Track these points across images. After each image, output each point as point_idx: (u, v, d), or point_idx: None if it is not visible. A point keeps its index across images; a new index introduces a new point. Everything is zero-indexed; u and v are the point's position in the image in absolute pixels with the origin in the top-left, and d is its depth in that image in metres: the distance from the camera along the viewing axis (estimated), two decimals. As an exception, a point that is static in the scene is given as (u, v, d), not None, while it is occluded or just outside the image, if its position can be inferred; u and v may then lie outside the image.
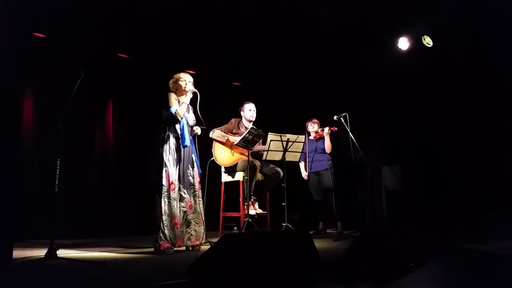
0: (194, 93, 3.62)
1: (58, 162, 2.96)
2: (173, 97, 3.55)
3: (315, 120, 5.10)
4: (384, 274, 2.31)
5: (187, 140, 3.49)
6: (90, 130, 5.12)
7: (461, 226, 4.04)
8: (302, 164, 5.04)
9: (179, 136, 3.50)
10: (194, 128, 3.67)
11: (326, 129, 4.87)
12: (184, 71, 3.77)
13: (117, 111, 5.30)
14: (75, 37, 4.87)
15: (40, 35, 4.66)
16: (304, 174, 5.04)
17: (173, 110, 3.47)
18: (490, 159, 4.48)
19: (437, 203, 4.80)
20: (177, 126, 3.53)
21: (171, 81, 3.68)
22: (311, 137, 5.07)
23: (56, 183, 2.97)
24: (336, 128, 4.85)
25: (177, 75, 3.67)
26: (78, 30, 4.85)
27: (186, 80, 3.64)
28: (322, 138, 4.97)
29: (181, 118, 3.50)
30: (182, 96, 3.62)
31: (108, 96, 5.27)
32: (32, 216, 4.47)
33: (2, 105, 2.56)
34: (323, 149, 4.93)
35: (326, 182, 4.86)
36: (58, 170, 2.95)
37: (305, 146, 4.91)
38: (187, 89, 3.62)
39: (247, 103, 4.57)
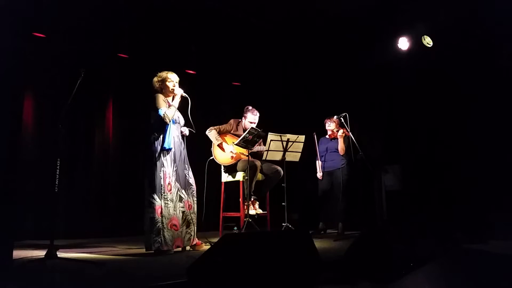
0: (185, 98, 3.51)
1: (58, 162, 2.96)
2: (161, 98, 3.42)
3: (333, 119, 4.99)
4: (384, 274, 2.31)
5: (168, 143, 3.34)
6: (90, 130, 5.12)
7: (461, 226, 4.05)
8: (318, 164, 4.99)
9: (164, 137, 3.36)
10: (182, 129, 3.59)
11: (340, 131, 4.81)
12: (170, 71, 3.59)
13: (117, 111, 5.29)
14: (75, 37, 4.86)
15: (40, 35, 4.66)
16: (319, 174, 4.98)
17: (161, 112, 3.35)
18: (490, 159, 4.48)
19: (437, 203, 4.80)
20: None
21: (156, 79, 3.52)
22: (327, 136, 5.04)
23: (56, 183, 2.97)
24: (347, 133, 4.75)
25: (163, 74, 3.51)
26: (78, 30, 4.84)
27: (173, 81, 3.50)
28: (336, 138, 4.94)
29: (169, 121, 3.37)
30: (168, 97, 3.52)
31: (108, 96, 5.26)
32: (32, 216, 4.46)
33: (2, 105, 2.56)
34: (336, 149, 4.90)
35: (336, 181, 4.85)
36: (58, 170, 2.95)
37: (316, 145, 4.92)
38: (175, 91, 3.50)
39: (252, 111, 4.45)
